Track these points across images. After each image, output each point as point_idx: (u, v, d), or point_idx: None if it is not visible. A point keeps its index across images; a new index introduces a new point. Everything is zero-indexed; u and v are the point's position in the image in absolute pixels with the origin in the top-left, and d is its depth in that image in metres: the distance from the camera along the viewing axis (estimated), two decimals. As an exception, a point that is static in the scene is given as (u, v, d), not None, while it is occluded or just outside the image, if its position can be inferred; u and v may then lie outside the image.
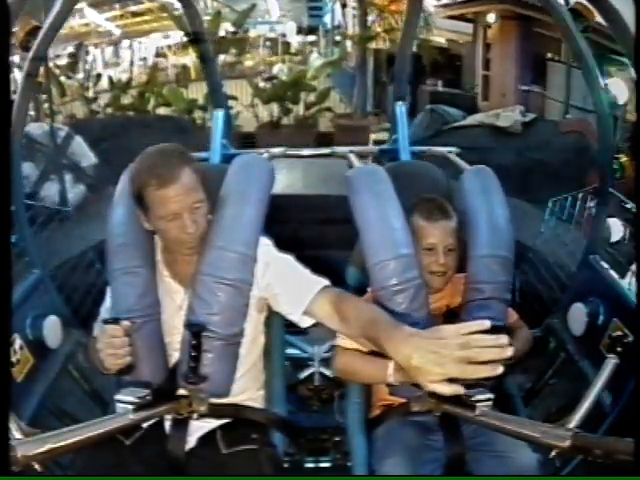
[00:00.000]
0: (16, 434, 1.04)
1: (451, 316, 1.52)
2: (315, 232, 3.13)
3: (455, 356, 0.96)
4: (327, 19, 13.04)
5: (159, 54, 12.47)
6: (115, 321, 1.29)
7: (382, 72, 9.37)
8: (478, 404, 1.19)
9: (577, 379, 1.90)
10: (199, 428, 1.44)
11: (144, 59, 11.90)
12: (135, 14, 10.90)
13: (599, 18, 1.68)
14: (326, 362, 2.08)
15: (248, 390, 1.51)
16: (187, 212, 1.32)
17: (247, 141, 6.47)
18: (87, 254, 2.48)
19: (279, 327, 1.63)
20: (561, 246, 2.56)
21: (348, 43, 10.43)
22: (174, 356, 1.43)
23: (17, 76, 1.78)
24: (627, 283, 1.84)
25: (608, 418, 1.66)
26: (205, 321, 1.37)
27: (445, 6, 10.17)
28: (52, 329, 1.91)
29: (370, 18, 8.82)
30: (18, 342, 1.77)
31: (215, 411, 1.40)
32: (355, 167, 1.78)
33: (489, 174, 1.70)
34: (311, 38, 12.80)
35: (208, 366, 1.37)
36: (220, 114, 2.74)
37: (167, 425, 1.43)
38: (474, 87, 10.03)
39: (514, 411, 1.69)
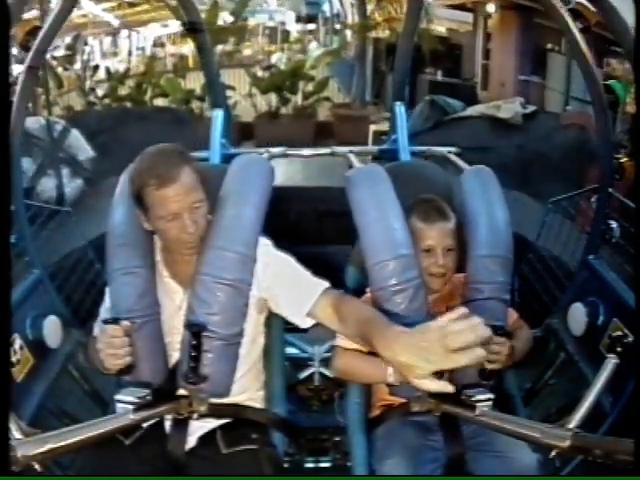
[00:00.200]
0: (16, 434, 1.04)
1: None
2: (315, 224, 3.12)
3: (437, 348, 0.96)
4: (326, 7, 12.92)
5: (157, 44, 12.36)
6: (115, 321, 1.29)
7: (381, 61, 9.27)
8: (478, 404, 1.19)
9: (577, 379, 1.91)
10: (199, 428, 1.44)
11: (142, 49, 11.79)
12: (132, 4, 10.79)
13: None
14: (326, 362, 2.08)
15: (248, 390, 1.51)
16: (187, 212, 1.32)
17: (245, 131, 6.43)
18: (86, 249, 2.47)
19: (279, 327, 1.63)
20: (561, 246, 2.55)
21: (347, 32, 10.33)
22: (174, 356, 1.43)
23: (16, 75, 1.74)
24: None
25: (608, 418, 1.67)
26: (205, 321, 1.37)
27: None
28: (52, 329, 1.91)
29: (369, 7, 8.74)
30: (18, 342, 1.78)
31: (215, 411, 1.41)
32: (355, 167, 1.76)
33: (488, 174, 1.69)
34: (310, 27, 12.69)
35: (208, 366, 1.37)
36: (219, 114, 2.72)
37: (167, 425, 1.43)
38: (474, 77, 9.97)
39: (514, 411, 1.69)
